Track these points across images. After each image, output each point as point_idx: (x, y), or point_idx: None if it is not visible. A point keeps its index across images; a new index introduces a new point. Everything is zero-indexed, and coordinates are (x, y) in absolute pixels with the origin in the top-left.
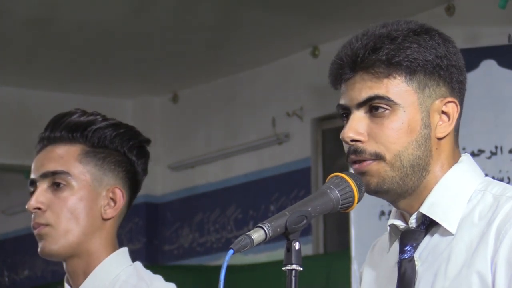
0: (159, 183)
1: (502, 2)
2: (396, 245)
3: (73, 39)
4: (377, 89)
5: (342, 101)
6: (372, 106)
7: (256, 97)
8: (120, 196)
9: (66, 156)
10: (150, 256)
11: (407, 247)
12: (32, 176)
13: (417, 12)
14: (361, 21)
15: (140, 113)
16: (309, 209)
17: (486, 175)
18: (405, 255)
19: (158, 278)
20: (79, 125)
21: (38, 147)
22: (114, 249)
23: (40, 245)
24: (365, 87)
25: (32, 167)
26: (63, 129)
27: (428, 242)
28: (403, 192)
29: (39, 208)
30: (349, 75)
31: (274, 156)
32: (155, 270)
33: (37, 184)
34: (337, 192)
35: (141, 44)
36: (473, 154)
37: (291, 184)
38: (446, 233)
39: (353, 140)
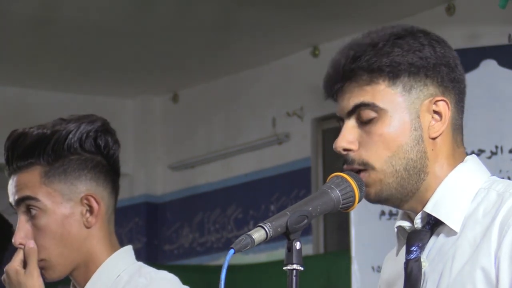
0: (159, 183)
1: (502, 2)
2: (404, 248)
3: (73, 39)
4: (362, 96)
5: (336, 112)
6: (360, 114)
7: (256, 97)
8: (94, 202)
9: (29, 183)
10: (150, 256)
11: (413, 247)
12: (10, 201)
13: (417, 12)
14: (361, 21)
15: (140, 113)
16: (310, 208)
17: None
18: (412, 255)
19: (161, 276)
20: (29, 149)
21: (6, 173)
22: (113, 249)
23: (42, 273)
24: (352, 96)
25: (8, 193)
26: (16, 159)
27: (435, 242)
28: (404, 196)
29: (24, 244)
30: (338, 86)
31: (274, 156)
32: None
33: (17, 212)
34: (338, 192)
35: (141, 44)
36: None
37: (291, 184)
38: (451, 232)
39: (345, 150)
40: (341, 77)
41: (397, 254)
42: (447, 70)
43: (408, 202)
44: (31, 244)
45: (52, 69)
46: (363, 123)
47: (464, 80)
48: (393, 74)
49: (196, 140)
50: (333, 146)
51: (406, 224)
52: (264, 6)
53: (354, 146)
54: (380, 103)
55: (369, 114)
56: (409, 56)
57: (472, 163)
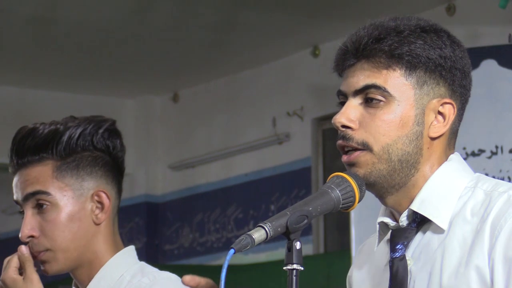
0: (160, 183)
1: (502, 2)
2: (384, 244)
3: (73, 39)
4: (375, 78)
5: (341, 87)
6: (368, 96)
7: (256, 97)
8: (105, 198)
9: (41, 177)
10: (150, 256)
11: (398, 245)
12: (15, 197)
13: (417, 12)
14: (361, 21)
15: (140, 113)
16: (310, 208)
17: (487, 175)
18: (397, 253)
19: (164, 276)
20: (42, 143)
21: (11, 170)
22: (117, 249)
23: (42, 267)
24: (364, 75)
25: (14, 189)
26: (27, 153)
27: (420, 240)
28: (390, 187)
29: (32, 236)
30: (351, 62)
31: (274, 156)
32: None
33: (23, 208)
34: (338, 191)
35: (141, 44)
36: (473, 154)
37: (291, 184)
38: (438, 230)
39: (343, 126)
40: (360, 54)
41: (375, 249)
42: (460, 75)
43: (393, 194)
44: (25, 251)
45: (52, 69)
46: (369, 105)
47: (470, 90)
48: (411, 64)
49: (196, 140)
50: (332, 121)
51: (389, 220)
52: (264, 6)
53: (354, 125)
54: (391, 90)
55: (377, 97)
56: (430, 52)
57: (456, 161)
